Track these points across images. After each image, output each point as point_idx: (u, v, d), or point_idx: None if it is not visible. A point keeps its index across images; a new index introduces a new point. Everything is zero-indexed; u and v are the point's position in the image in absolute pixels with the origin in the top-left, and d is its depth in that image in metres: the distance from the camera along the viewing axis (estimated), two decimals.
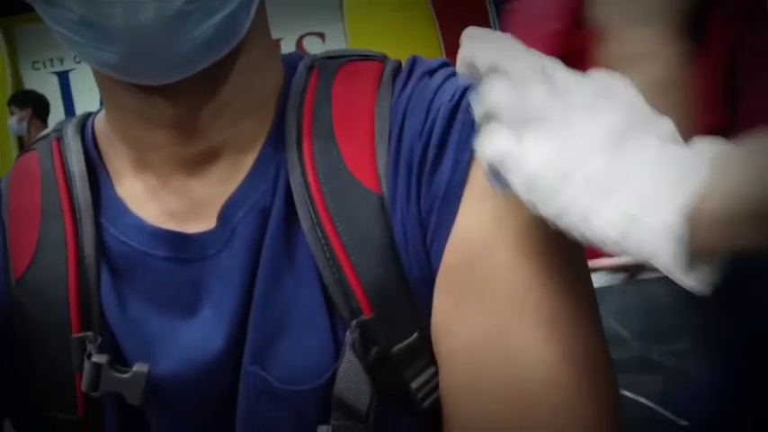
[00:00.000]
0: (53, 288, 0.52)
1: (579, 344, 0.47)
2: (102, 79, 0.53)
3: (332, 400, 0.49)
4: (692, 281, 0.37)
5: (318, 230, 0.50)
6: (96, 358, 0.51)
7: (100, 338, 0.52)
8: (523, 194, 0.41)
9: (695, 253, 0.36)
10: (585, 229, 0.38)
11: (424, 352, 0.51)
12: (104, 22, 0.44)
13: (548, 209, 0.40)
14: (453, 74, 0.52)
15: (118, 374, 0.51)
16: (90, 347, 0.51)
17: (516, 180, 0.41)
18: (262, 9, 0.52)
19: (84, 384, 0.51)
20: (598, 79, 0.42)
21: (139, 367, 0.51)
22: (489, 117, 0.43)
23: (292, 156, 0.52)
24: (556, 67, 0.42)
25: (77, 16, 0.44)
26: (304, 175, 0.51)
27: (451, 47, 8.96)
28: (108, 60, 0.46)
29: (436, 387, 0.51)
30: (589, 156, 0.38)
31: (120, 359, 0.53)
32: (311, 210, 0.50)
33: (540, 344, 0.46)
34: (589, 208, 0.38)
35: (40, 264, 0.53)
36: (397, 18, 8.70)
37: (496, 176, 0.43)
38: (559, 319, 0.46)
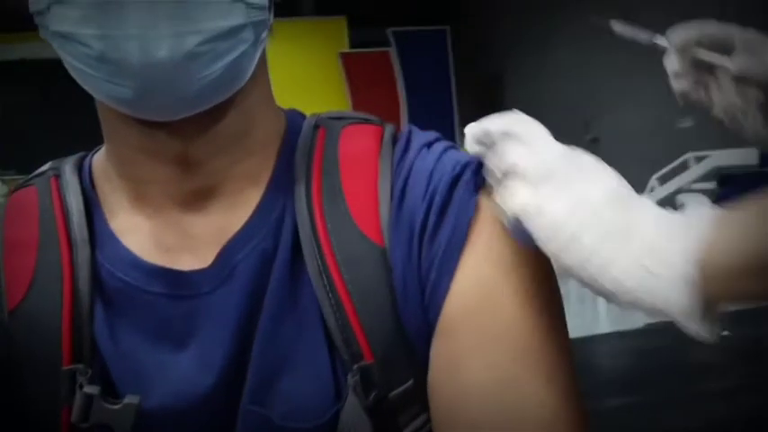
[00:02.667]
0: (46, 320, 0.54)
1: (572, 397, 0.51)
2: (106, 114, 0.56)
3: None
4: (702, 329, 0.40)
5: (324, 277, 0.53)
6: (88, 389, 0.52)
7: (90, 371, 0.53)
8: (545, 246, 0.45)
9: (703, 302, 0.40)
10: (603, 279, 0.42)
11: (418, 399, 0.54)
12: (120, 58, 0.47)
13: (569, 260, 0.43)
14: (449, 147, 0.59)
15: (108, 405, 0.52)
16: (81, 379, 0.52)
17: (538, 232, 0.45)
18: (263, 59, 0.56)
19: (74, 415, 0.52)
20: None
21: (130, 399, 0.52)
22: (507, 175, 0.48)
23: (301, 206, 0.55)
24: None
25: (96, 52, 0.47)
26: (313, 225, 0.54)
27: (359, 105, 9.14)
28: (121, 95, 0.49)
29: None
30: (601, 210, 0.43)
31: (111, 392, 0.54)
32: (318, 257, 0.54)
33: (540, 395, 0.50)
34: (607, 259, 0.42)
35: (34, 296, 0.55)
36: (307, 76, 8.83)
37: (517, 228, 0.47)
38: (556, 374, 0.51)
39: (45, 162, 0.64)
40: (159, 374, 0.54)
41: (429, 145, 0.59)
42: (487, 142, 0.51)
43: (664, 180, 7.23)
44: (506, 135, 0.49)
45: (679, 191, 6.71)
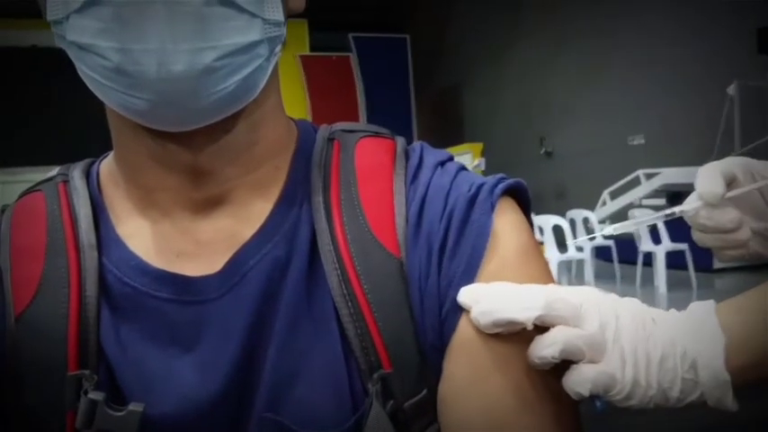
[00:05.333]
0: (53, 326, 0.53)
1: (575, 423, 0.54)
2: (117, 122, 0.56)
3: None
4: (732, 406, 0.50)
5: (345, 287, 0.54)
6: (93, 395, 0.52)
7: (96, 377, 0.53)
8: (622, 405, 0.51)
9: (733, 391, 0.50)
10: (668, 403, 0.51)
11: (429, 409, 0.54)
12: (137, 71, 0.47)
13: (641, 402, 0.51)
14: (461, 168, 0.61)
15: (112, 412, 0.51)
16: (86, 385, 0.52)
17: (617, 397, 0.51)
18: (275, 71, 0.56)
19: (78, 421, 0.51)
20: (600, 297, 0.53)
21: (134, 406, 0.52)
22: (566, 355, 0.50)
23: (320, 216, 0.56)
24: (565, 295, 0.52)
25: (113, 64, 0.47)
26: (333, 234, 0.55)
27: (317, 108, 9.08)
28: (136, 107, 0.49)
29: None
30: (648, 366, 0.51)
31: (117, 398, 0.53)
32: (339, 268, 0.54)
33: (550, 419, 0.52)
34: (667, 389, 0.51)
35: (41, 302, 0.54)
36: None
37: (593, 398, 0.51)
38: (564, 397, 0.52)
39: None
40: (165, 380, 0.53)
41: (442, 164, 0.61)
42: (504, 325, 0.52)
43: (615, 195, 7.38)
44: (540, 319, 0.50)
45: (630, 206, 6.86)
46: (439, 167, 0.60)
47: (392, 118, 9.42)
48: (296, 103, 9.44)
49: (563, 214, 6.29)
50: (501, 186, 0.57)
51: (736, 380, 0.50)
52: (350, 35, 10.21)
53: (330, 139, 0.62)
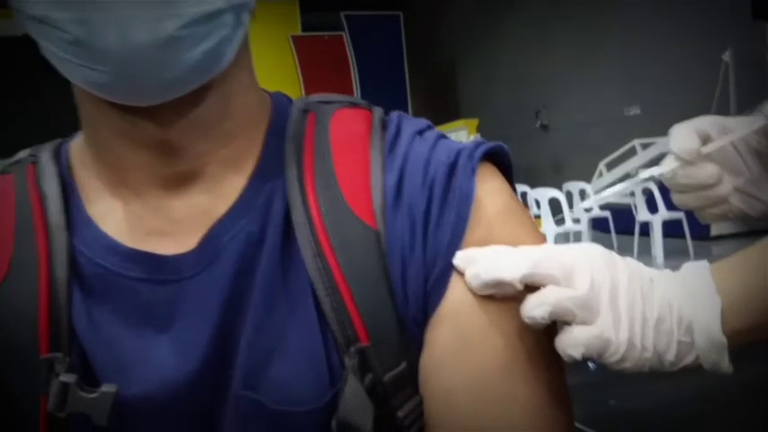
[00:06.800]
0: (23, 308, 0.53)
1: (562, 391, 0.53)
2: (84, 99, 0.54)
3: (335, 422, 0.51)
4: (728, 369, 0.50)
5: (319, 260, 0.53)
6: (65, 377, 0.51)
7: (68, 359, 0.52)
8: (615, 367, 0.51)
9: (729, 354, 0.50)
10: (663, 367, 0.51)
11: (410, 382, 0.54)
12: (98, 43, 0.45)
13: (635, 365, 0.51)
14: (440, 136, 0.60)
15: (85, 394, 0.51)
16: (58, 368, 0.51)
17: (611, 360, 0.50)
18: (245, 43, 0.55)
19: (50, 404, 0.51)
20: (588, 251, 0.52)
21: (107, 387, 0.51)
22: (556, 316, 0.49)
23: (293, 190, 0.55)
24: (554, 255, 0.51)
25: (71, 37, 0.45)
26: (307, 209, 0.54)
27: (311, 89, 9.04)
28: (97, 80, 0.47)
29: (420, 415, 0.54)
30: (644, 328, 0.50)
31: (92, 380, 0.52)
32: (313, 241, 0.53)
33: (536, 387, 0.52)
34: (663, 352, 0.50)
35: (10, 285, 0.53)
36: (258, 59, 8.69)
37: (586, 360, 0.50)
38: (551, 366, 0.52)
39: None
40: (140, 361, 0.53)
41: (420, 133, 0.60)
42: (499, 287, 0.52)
43: (611, 166, 7.38)
44: (528, 276, 0.50)
45: (626, 176, 6.86)
46: (417, 136, 0.59)
47: (387, 96, 9.36)
48: (289, 84, 9.38)
49: (560, 187, 6.29)
50: (480, 150, 0.56)
51: (732, 342, 0.49)
52: (342, 14, 10.13)
53: (305, 111, 0.61)
